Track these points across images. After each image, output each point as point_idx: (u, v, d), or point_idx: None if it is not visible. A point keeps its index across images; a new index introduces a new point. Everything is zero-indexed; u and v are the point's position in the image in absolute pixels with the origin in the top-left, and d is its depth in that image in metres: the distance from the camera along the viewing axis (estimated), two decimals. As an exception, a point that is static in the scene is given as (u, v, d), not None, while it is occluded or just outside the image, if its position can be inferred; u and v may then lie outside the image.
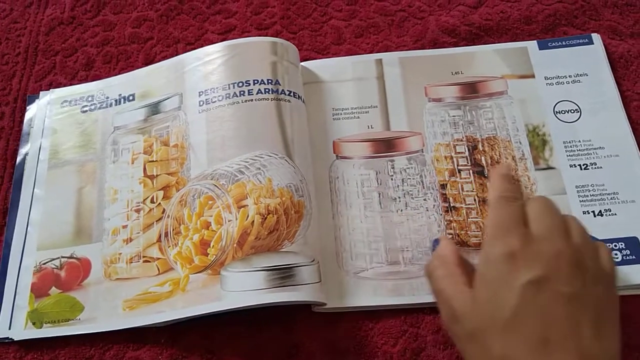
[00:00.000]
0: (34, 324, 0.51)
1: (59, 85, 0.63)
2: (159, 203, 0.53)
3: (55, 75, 0.64)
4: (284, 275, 0.46)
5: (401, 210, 0.52)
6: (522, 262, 0.34)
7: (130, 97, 0.60)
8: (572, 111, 0.56)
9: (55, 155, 0.58)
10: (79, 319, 0.50)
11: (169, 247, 0.51)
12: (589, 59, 0.58)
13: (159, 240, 0.52)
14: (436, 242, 0.51)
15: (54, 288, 0.52)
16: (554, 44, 0.59)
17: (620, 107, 0.55)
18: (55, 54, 0.65)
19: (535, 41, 0.60)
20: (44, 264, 0.53)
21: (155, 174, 0.55)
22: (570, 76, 0.58)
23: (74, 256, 0.54)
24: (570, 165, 0.53)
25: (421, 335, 0.48)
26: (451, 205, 0.53)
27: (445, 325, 0.40)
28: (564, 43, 0.59)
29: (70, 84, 0.63)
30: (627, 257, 0.49)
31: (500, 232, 0.36)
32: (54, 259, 0.53)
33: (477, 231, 0.52)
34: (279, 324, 0.49)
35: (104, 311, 0.50)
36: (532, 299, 0.33)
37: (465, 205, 0.52)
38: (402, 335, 0.48)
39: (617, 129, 0.54)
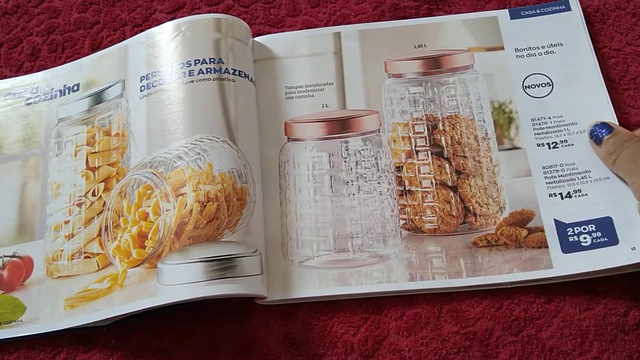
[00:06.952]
0: (-23, 326, 0.52)
1: (4, 78, 0.64)
2: (100, 196, 0.54)
3: (0, 68, 0.65)
4: (222, 267, 0.47)
5: (353, 195, 0.52)
6: None
7: (75, 87, 0.61)
8: (543, 85, 0.55)
9: (-1, 151, 0.60)
10: (21, 321, 0.52)
11: (109, 241, 0.52)
12: (565, 27, 0.58)
13: (99, 234, 0.53)
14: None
15: (-4, 288, 0.54)
16: (527, 12, 0.59)
17: (598, 74, 0.55)
18: (0, 45, 0.66)
19: (506, 10, 0.59)
20: (-14, 264, 0.55)
21: (97, 166, 0.56)
22: (543, 47, 0.57)
23: (17, 255, 0.55)
24: (538, 145, 0.53)
25: (384, 322, 0.49)
26: (406, 188, 0.53)
27: None
28: (538, 11, 0.59)
29: (16, 76, 0.64)
30: (598, 240, 0.48)
31: None
32: (-4, 259, 0.55)
33: (432, 216, 0.52)
34: (234, 318, 0.50)
35: (46, 311, 0.52)
36: None
37: (421, 188, 0.53)
38: (363, 323, 0.49)
39: (592, 99, 0.54)
